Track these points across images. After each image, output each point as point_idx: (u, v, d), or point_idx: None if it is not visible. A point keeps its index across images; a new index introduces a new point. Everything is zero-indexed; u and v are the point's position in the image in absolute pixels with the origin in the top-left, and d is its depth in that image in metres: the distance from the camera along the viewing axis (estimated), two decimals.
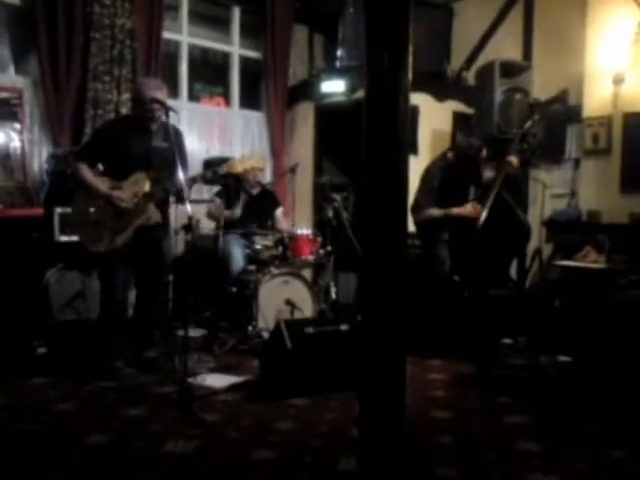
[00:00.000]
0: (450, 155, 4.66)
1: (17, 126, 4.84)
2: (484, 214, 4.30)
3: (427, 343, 4.34)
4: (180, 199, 3.63)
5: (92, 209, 3.71)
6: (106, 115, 5.26)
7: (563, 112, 5.63)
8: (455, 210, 4.46)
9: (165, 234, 3.99)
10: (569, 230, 5.25)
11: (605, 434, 3.04)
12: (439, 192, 4.51)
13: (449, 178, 4.54)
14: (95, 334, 4.01)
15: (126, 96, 5.38)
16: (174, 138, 3.62)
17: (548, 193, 5.57)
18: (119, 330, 3.83)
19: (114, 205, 3.69)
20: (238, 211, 5.02)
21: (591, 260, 4.39)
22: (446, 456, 2.77)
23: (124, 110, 5.35)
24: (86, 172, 3.75)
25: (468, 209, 4.44)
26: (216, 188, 5.28)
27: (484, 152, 4.59)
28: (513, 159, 4.57)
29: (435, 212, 4.50)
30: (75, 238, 4.02)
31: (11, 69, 5.33)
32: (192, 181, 3.85)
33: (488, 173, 4.67)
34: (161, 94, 3.72)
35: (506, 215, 4.42)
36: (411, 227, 4.55)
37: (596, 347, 3.72)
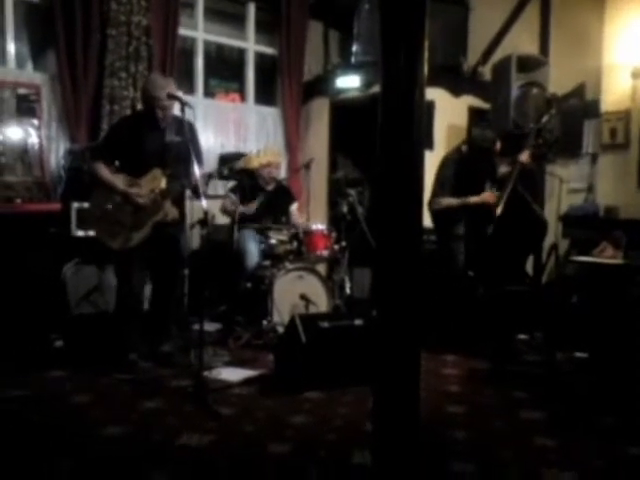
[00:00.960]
0: (464, 148, 4.64)
1: (35, 122, 4.89)
2: (501, 206, 4.28)
3: (442, 338, 4.34)
4: (196, 194, 3.65)
5: (110, 205, 3.74)
6: (122, 111, 5.29)
7: (580, 107, 5.59)
8: (473, 198, 4.44)
9: (182, 230, 4.01)
10: (586, 225, 5.21)
11: (622, 431, 3.02)
12: (454, 185, 4.49)
13: (463, 171, 4.53)
14: (111, 327, 4.05)
15: None
16: (188, 132, 3.64)
17: (565, 188, 5.53)
18: (135, 324, 3.86)
19: (131, 202, 3.72)
20: (253, 207, 5.03)
21: (608, 256, 4.35)
22: (461, 451, 2.76)
23: (140, 106, 5.39)
24: (103, 170, 3.78)
25: (485, 196, 4.43)
26: (231, 183, 5.29)
27: (498, 145, 4.56)
28: (525, 154, 4.54)
29: (452, 201, 4.48)
30: (92, 233, 4.06)
31: (29, 65, 5.39)
32: (208, 177, 3.86)
33: (503, 168, 4.65)
34: (171, 88, 3.73)
35: (522, 210, 4.39)
36: (426, 222, 4.54)
37: (613, 343, 3.69)
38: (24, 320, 4.11)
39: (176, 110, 3.74)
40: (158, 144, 3.78)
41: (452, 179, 4.50)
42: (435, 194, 4.52)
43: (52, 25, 5.07)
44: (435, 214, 4.58)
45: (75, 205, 4.57)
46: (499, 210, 4.32)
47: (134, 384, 3.53)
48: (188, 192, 4.01)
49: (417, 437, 1.83)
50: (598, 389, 3.59)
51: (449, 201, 4.48)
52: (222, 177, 4.01)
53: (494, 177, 4.63)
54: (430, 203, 4.53)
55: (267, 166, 4.91)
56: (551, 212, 5.46)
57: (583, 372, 3.95)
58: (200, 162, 3.75)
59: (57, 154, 5.19)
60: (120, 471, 2.53)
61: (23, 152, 4.77)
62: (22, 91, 4.90)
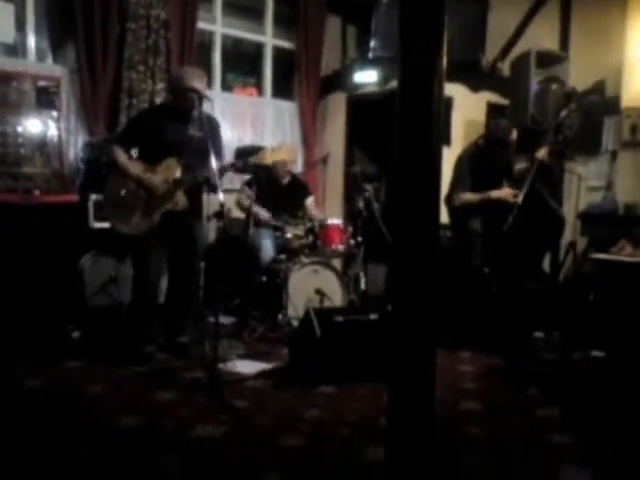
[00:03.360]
0: (480, 142, 4.61)
1: (54, 114, 4.91)
2: (520, 199, 4.24)
3: (458, 335, 4.31)
4: (211, 188, 3.66)
5: (123, 191, 3.77)
6: (140, 104, 5.32)
7: (600, 103, 5.51)
8: (493, 193, 4.40)
9: (198, 222, 4.02)
10: (605, 223, 5.15)
11: (638, 430, 2.98)
12: (472, 180, 4.46)
13: (480, 164, 4.49)
14: (127, 319, 4.07)
15: (160, 85, 5.45)
16: (211, 127, 3.65)
17: (584, 186, 5.47)
18: (151, 315, 3.88)
19: (144, 188, 3.74)
20: (268, 215, 5.05)
21: (627, 254, 4.29)
22: (476, 448, 2.75)
23: (158, 100, 5.41)
24: (121, 155, 3.81)
25: (506, 192, 4.38)
26: (247, 177, 5.30)
27: (514, 134, 4.51)
28: (543, 151, 4.49)
29: (472, 197, 4.44)
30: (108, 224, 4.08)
31: (49, 58, 5.43)
32: (222, 170, 3.86)
33: (521, 165, 4.60)
34: (200, 83, 3.75)
35: (540, 206, 4.36)
36: (442, 218, 4.51)
37: (630, 342, 3.65)
38: (41, 311, 4.15)
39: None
40: (181, 136, 3.80)
41: (469, 174, 4.47)
42: (454, 190, 4.49)
43: (72, 18, 5.10)
44: (452, 209, 4.55)
45: (93, 197, 4.62)
46: (519, 201, 4.26)
47: (149, 376, 3.55)
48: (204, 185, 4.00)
49: (432, 433, 1.82)
50: (614, 388, 3.55)
51: (469, 197, 4.44)
52: (236, 170, 4.01)
53: (511, 173, 4.59)
54: (449, 199, 4.50)
55: (281, 163, 4.91)
56: (570, 210, 5.41)
57: (599, 371, 3.91)
58: (220, 157, 3.76)
59: (76, 146, 5.24)
60: (134, 460, 2.55)
61: (42, 144, 4.80)
62: (42, 83, 4.92)
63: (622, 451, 2.72)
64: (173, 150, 3.78)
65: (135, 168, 3.78)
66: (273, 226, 5.03)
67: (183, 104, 3.79)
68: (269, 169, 5.04)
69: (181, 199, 3.81)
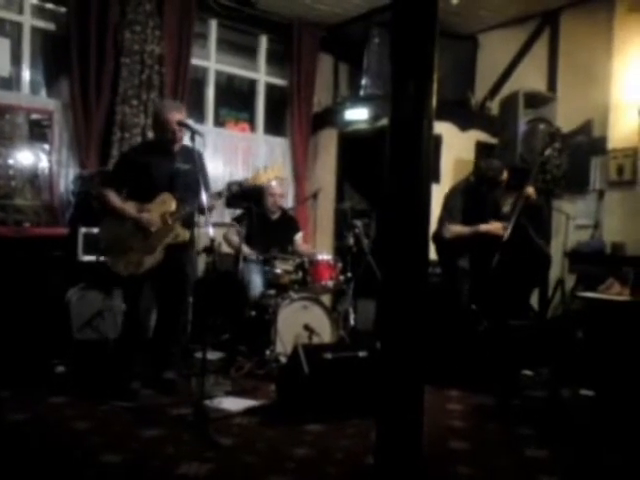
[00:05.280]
0: (472, 178, 4.66)
1: (46, 147, 4.95)
2: (507, 233, 4.27)
3: (446, 373, 4.29)
4: (204, 216, 3.66)
5: (121, 234, 3.75)
6: (133, 138, 5.36)
7: (587, 143, 5.61)
8: (483, 227, 4.43)
9: (190, 256, 4.02)
10: (592, 262, 5.18)
11: (627, 470, 2.96)
12: (461, 215, 4.49)
13: (470, 201, 4.53)
14: (114, 354, 4.03)
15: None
16: (196, 160, 3.67)
17: (571, 224, 5.53)
18: (139, 352, 3.84)
19: (144, 228, 3.74)
20: (253, 255, 5.04)
21: (615, 292, 4.32)
22: None
23: (150, 134, 5.45)
24: (114, 197, 3.82)
25: (496, 225, 4.41)
26: (238, 212, 5.32)
27: (505, 174, 4.57)
28: (530, 189, 4.55)
29: (463, 229, 4.47)
30: (98, 258, 4.07)
31: (43, 91, 5.48)
32: (218, 195, 3.90)
33: (507, 207, 4.65)
34: (179, 114, 3.79)
35: (525, 243, 4.39)
36: (431, 255, 4.52)
37: (619, 381, 3.64)
38: (27, 344, 4.10)
39: (186, 138, 3.80)
40: (167, 170, 3.83)
41: (460, 208, 4.50)
42: (444, 222, 4.50)
43: (67, 53, 5.17)
44: (440, 246, 4.57)
45: (82, 230, 4.61)
46: (505, 236, 4.29)
47: (134, 412, 3.49)
48: (198, 217, 4.02)
49: (420, 472, 1.80)
50: (604, 427, 3.54)
51: (460, 229, 4.46)
52: (229, 202, 4.02)
53: (498, 213, 4.63)
54: (438, 232, 4.52)
55: (275, 180, 4.86)
56: (557, 248, 5.45)
57: (588, 410, 3.89)
58: (208, 189, 3.78)
59: (67, 179, 5.25)
60: None
61: (33, 176, 4.82)
62: (35, 116, 4.97)
63: None
64: (163, 186, 3.80)
65: (132, 209, 3.78)
66: (264, 259, 5.02)
67: (165, 138, 3.82)
68: (261, 203, 5.07)
69: (181, 231, 3.83)
